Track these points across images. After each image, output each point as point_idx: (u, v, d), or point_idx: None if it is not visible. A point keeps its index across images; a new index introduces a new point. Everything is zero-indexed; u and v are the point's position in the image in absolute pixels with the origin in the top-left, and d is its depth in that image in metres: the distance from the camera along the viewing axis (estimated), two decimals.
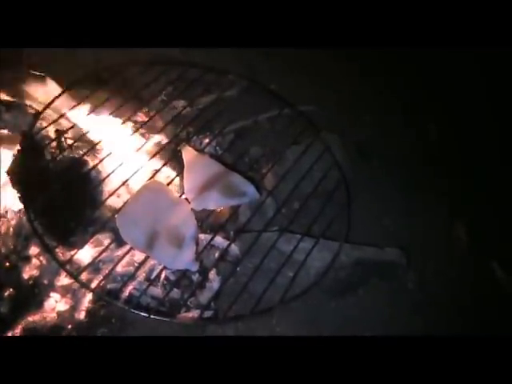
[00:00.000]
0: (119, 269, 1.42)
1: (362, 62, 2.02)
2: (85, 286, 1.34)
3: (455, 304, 1.55)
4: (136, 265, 1.41)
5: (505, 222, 1.70)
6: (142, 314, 1.31)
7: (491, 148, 1.88)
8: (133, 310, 1.32)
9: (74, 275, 1.32)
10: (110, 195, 1.44)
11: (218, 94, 1.77)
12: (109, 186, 1.49)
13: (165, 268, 1.39)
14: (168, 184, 1.48)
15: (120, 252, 1.41)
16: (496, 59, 1.86)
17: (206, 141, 1.69)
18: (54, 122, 1.53)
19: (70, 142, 1.53)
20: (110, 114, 1.62)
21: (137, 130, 1.62)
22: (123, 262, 1.42)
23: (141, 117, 1.70)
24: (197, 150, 1.61)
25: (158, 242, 1.33)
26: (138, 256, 1.41)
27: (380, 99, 1.97)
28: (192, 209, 1.42)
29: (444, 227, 1.69)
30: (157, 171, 1.50)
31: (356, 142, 1.80)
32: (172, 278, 1.46)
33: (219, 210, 1.52)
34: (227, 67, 1.80)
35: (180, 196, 1.45)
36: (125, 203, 1.41)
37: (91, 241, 1.45)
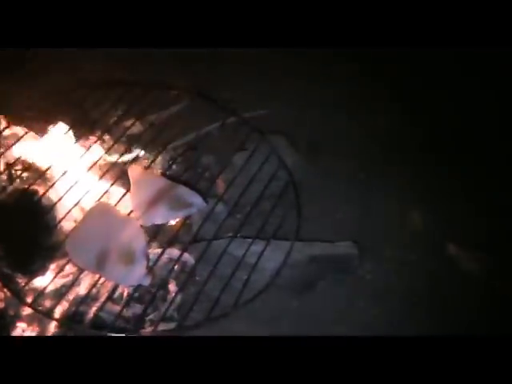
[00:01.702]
0: (82, 291, 1.44)
1: (301, 60, 2.05)
2: (42, 313, 1.35)
3: (414, 290, 1.57)
4: (98, 286, 1.43)
5: (456, 202, 1.73)
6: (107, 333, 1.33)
7: (439, 134, 1.92)
8: (97, 331, 1.34)
9: (31, 304, 1.34)
10: (61, 220, 1.47)
11: (164, 110, 1.80)
12: (62, 211, 1.52)
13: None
14: (117, 203, 1.51)
15: (83, 275, 1.43)
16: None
17: (158, 156, 1.72)
18: (1, 154, 1.56)
19: (19, 172, 1.56)
20: (59, 139, 1.66)
21: (86, 151, 1.64)
22: (85, 283, 1.45)
23: (90, 138, 1.72)
24: (147, 166, 1.64)
25: (109, 261, 1.36)
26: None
27: (324, 94, 2.00)
28: (141, 225, 1.45)
29: (396, 215, 1.71)
30: (105, 192, 1.53)
31: (302, 141, 1.83)
32: (135, 294, 1.48)
33: (173, 222, 1.55)
34: (170, 81, 1.83)
35: (129, 214, 1.48)
36: (73, 228, 1.43)
37: (53, 267, 1.48)
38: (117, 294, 1.44)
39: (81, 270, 1.42)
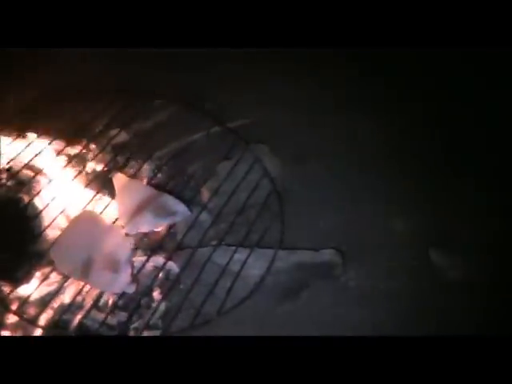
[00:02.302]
0: (67, 299, 1.45)
1: (284, 64, 2.07)
2: (27, 320, 1.36)
3: (398, 296, 1.58)
4: (83, 293, 1.43)
5: (437, 208, 1.75)
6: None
7: (417, 146, 1.93)
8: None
9: (16, 311, 1.35)
10: (46, 227, 1.48)
11: (150, 119, 1.81)
12: (47, 219, 1.52)
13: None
14: (102, 211, 1.52)
15: (68, 283, 1.44)
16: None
17: (143, 165, 1.73)
18: None
19: (3, 181, 1.57)
20: (44, 148, 1.66)
21: (71, 159, 1.66)
22: (71, 291, 1.45)
23: (76, 147, 1.73)
24: (132, 175, 1.66)
25: (94, 269, 1.38)
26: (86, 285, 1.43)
27: (309, 103, 2.01)
28: (126, 233, 1.46)
29: (379, 223, 1.72)
30: (90, 200, 1.54)
31: (286, 150, 1.84)
32: (120, 302, 1.49)
33: (158, 230, 1.56)
34: (156, 90, 1.84)
35: (114, 222, 1.49)
36: (59, 235, 1.44)
37: (38, 275, 1.48)
38: (102, 301, 1.45)
39: (66, 278, 1.42)
